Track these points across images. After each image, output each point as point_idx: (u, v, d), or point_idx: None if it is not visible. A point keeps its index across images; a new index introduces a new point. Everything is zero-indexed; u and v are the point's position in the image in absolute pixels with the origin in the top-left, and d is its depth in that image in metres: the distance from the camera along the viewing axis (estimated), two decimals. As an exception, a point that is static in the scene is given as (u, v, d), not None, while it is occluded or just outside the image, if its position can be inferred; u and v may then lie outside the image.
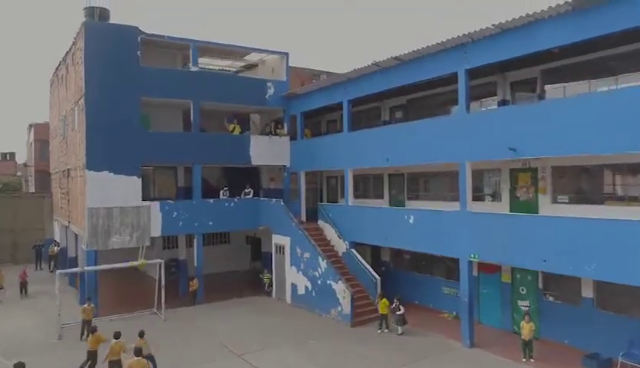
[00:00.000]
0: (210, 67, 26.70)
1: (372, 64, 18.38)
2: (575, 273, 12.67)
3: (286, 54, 24.19)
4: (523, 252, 13.48)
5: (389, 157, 18.07)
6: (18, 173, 63.81)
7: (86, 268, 16.91)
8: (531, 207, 15.71)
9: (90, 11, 20.91)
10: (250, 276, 27.13)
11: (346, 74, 19.84)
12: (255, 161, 23.21)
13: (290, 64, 24.57)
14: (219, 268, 27.70)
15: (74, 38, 21.58)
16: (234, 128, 23.35)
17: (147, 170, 23.08)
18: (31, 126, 48.17)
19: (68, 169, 24.27)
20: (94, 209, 15.81)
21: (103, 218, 15.62)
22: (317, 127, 26.55)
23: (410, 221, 17.22)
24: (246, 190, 23.46)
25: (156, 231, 20.48)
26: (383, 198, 21.94)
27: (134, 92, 20.23)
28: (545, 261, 12.93)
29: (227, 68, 27.52)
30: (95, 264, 18.38)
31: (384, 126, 20.10)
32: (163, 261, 17.72)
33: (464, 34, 14.64)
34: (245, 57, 25.57)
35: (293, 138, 24.09)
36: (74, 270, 16.73)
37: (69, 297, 21.54)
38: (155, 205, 20.57)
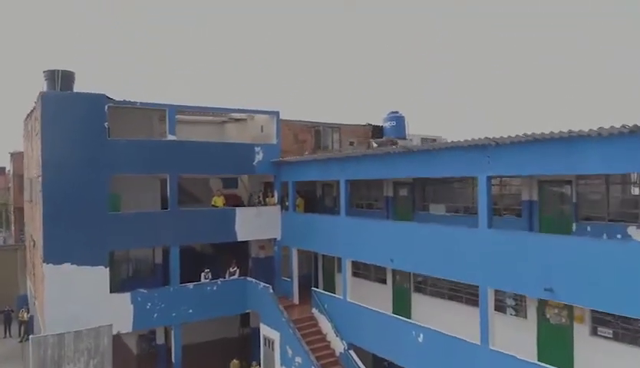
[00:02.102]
0: (192, 119, 24.11)
1: (377, 147, 15.85)
2: None
3: (276, 113, 21.52)
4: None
5: (394, 258, 15.51)
6: (10, 184, 61.13)
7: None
8: (564, 335, 13.14)
9: (51, 75, 18.22)
10: (239, 347, 24.59)
11: (345, 153, 17.29)
12: (242, 236, 20.63)
13: (282, 112, 21.92)
14: (205, 336, 24.98)
15: (35, 103, 18.95)
16: (216, 201, 20.76)
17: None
18: (11, 155, 45.38)
19: (34, 240, 21.70)
20: (42, 339, 13.28)
21: (53, 347, 13.11)
22: (311, 187, 23.95)
23: (420, 339, 14.66)
24: (231, 270, 20.86)
25: (127, 326, 18.05)
26: (386, 283, 19.35)
27: (101, 170, 17.67)
28: None
29: (212, 120, 24.93)
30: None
31: (389, 222, 17.33)
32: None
33: (487, 137, 12.07)
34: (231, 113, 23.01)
35: (284, 200, 21.48)
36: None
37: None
38: (125, 297, 18.13)
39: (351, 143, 26.68)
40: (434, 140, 30.78)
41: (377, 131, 27.28)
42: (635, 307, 9.70)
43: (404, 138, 26.52)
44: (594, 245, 10.64)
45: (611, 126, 9.68)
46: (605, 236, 12.43)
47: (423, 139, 30.05)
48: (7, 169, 63.75)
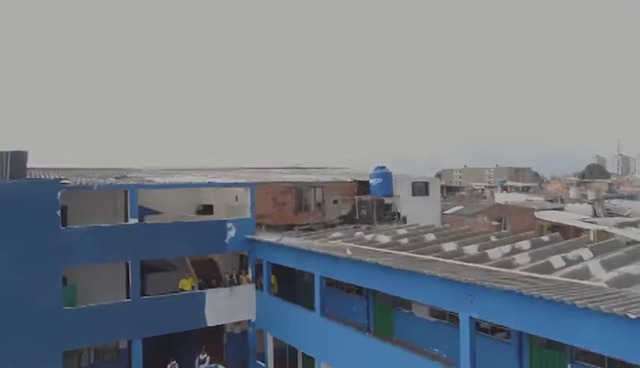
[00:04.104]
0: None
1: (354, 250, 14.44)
2: None
3: (251, 185, 20.03)
4: None
5: (371, 377, 14.06)
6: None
7: None
8: None
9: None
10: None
11: (321, 249, 15.83)
12: (212, 321, 19.11)
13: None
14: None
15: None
16: (184, 284, 19.26)
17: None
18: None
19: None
20: None
21: None
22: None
23: None
24: (201, 357, 19.25)
25: None
26: None
27: (54, 263, 16.17)
28: None
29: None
30: None
31: (367, 338, 15.47)
32: None
33: (472, 278, 10.61)
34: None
35: (259, 277, 20.00)
36: None
37: None
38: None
39: (335, 202, 25.18)
40: (426, 184, 29.40)
41: (363, 187, 25.74)
42: None
43: (391, 195, 25.06)
44: None
45: (613, 306, 8.23)
46: (602, 389, 11.02)
47: (415, 183, 28.60)
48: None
